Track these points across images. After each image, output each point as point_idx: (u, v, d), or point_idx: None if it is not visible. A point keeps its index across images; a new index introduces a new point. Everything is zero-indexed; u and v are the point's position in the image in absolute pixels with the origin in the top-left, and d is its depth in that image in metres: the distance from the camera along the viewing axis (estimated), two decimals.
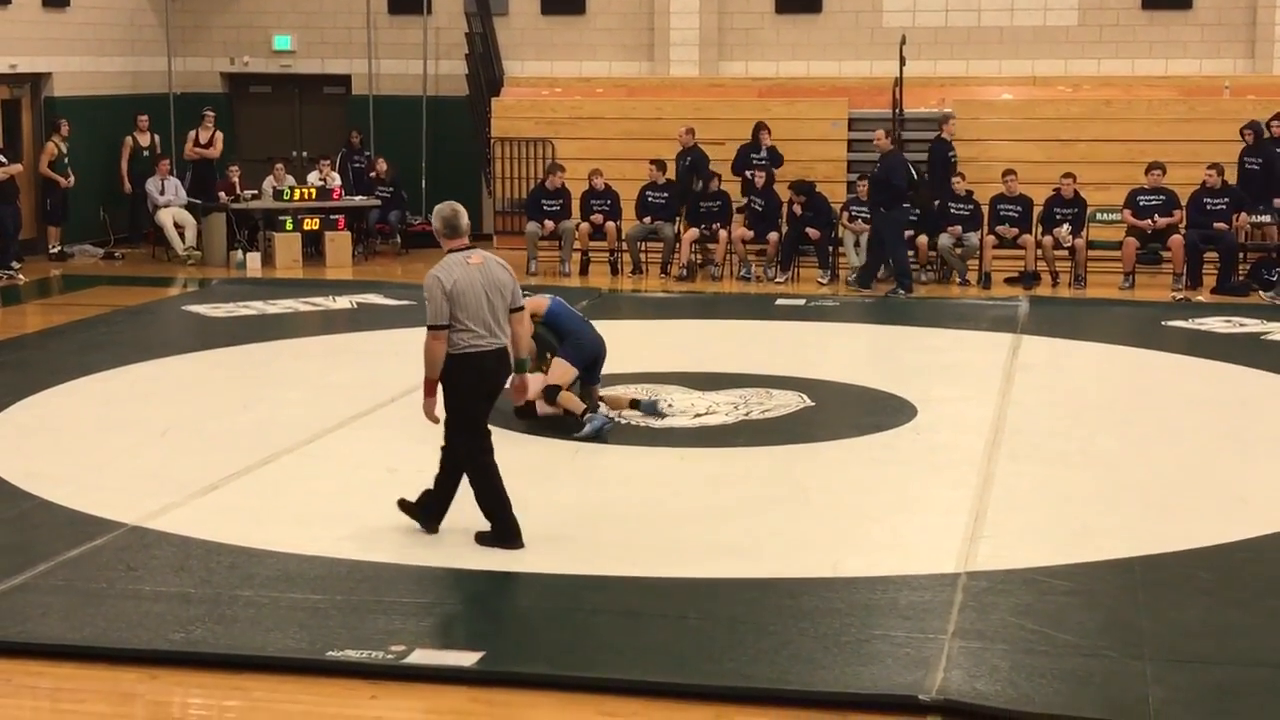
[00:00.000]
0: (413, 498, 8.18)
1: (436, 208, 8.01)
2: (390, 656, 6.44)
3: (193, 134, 20.47)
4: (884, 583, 7.39)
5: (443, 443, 7.99)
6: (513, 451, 10.03)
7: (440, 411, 7.90)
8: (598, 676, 6.28)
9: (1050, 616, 6.93)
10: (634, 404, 10.88)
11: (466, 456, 7.92)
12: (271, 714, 6.10)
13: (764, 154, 18.41)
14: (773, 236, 17.74)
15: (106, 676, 6.39)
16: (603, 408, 10.64)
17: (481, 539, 7.93)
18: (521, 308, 8.02)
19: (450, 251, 7.87)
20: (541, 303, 10.79)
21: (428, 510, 8.10)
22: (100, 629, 6.78)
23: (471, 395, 7.85)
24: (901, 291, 16.54)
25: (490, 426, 8.04)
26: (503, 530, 7.92)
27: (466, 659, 6.41)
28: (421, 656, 6.45)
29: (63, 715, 6.21)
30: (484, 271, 7.81)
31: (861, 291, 16.68)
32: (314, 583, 7.45)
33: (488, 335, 7.78)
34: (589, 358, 10.66)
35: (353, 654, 6.46)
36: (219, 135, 20.49)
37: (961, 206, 17.43)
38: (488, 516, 7.95)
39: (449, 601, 7.38)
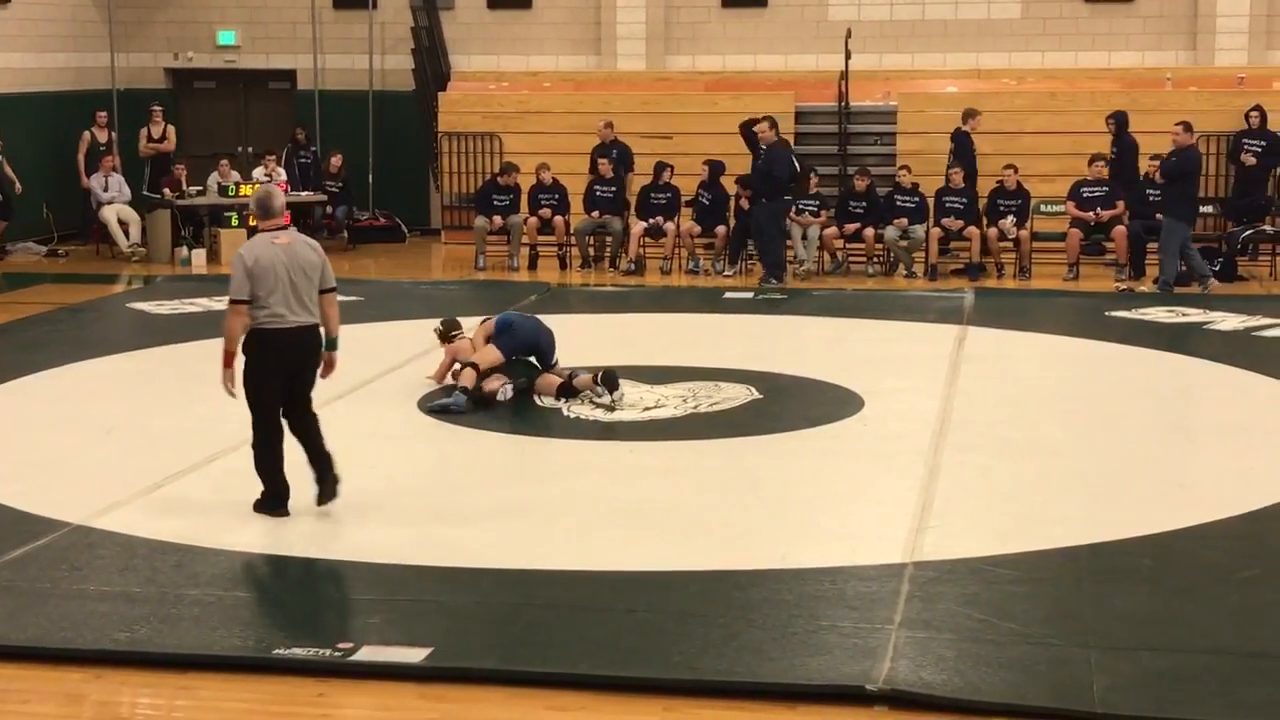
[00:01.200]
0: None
1: (253, 191, 8.38)
2: (337, 654, 6.41)
3: (144, 131, 20.33)
4: (831, 574, 7.42)
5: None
6: (462, 446, 10.04)
7: (238, 387, 8.23)
8: (546, 671, 6.28)
9: (996, 605, 6.97)
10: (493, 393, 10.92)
11: (257, 427, 8.24)
12: (219, 713, 6.06)
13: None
14: (720, 230, 17.78)
15: (52, 677, 6.35)
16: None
17: (257, 506, 8.32)
18: (333, 289, 8.34)
19: (261, 232, 8.29)
20: (489, 325, 11.20)
21: (320, 487, 8.30)
22: (44, 629, 6.73)
23: (264, 369, 8.16)
24: (773, 281, 16.53)
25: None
26: (273, 497, 8.30)
27: (414, 655, 6.39)
28: (369, 653, 6.42)
29: (8, 716, 6.14)
30: (288, 251, 8.16)
31: (764, 287, 16.47)
32: (260, 580, 7.42)
33: (287, 313, 8.09)
34: (520, 345, 11.15)
35: (300, 652, 6.44)
36: (170, 129, 20.36)
37: (907, 199, 17.51)
38: (264, 482, 8.32)
39: (396, 597, 7.35)
